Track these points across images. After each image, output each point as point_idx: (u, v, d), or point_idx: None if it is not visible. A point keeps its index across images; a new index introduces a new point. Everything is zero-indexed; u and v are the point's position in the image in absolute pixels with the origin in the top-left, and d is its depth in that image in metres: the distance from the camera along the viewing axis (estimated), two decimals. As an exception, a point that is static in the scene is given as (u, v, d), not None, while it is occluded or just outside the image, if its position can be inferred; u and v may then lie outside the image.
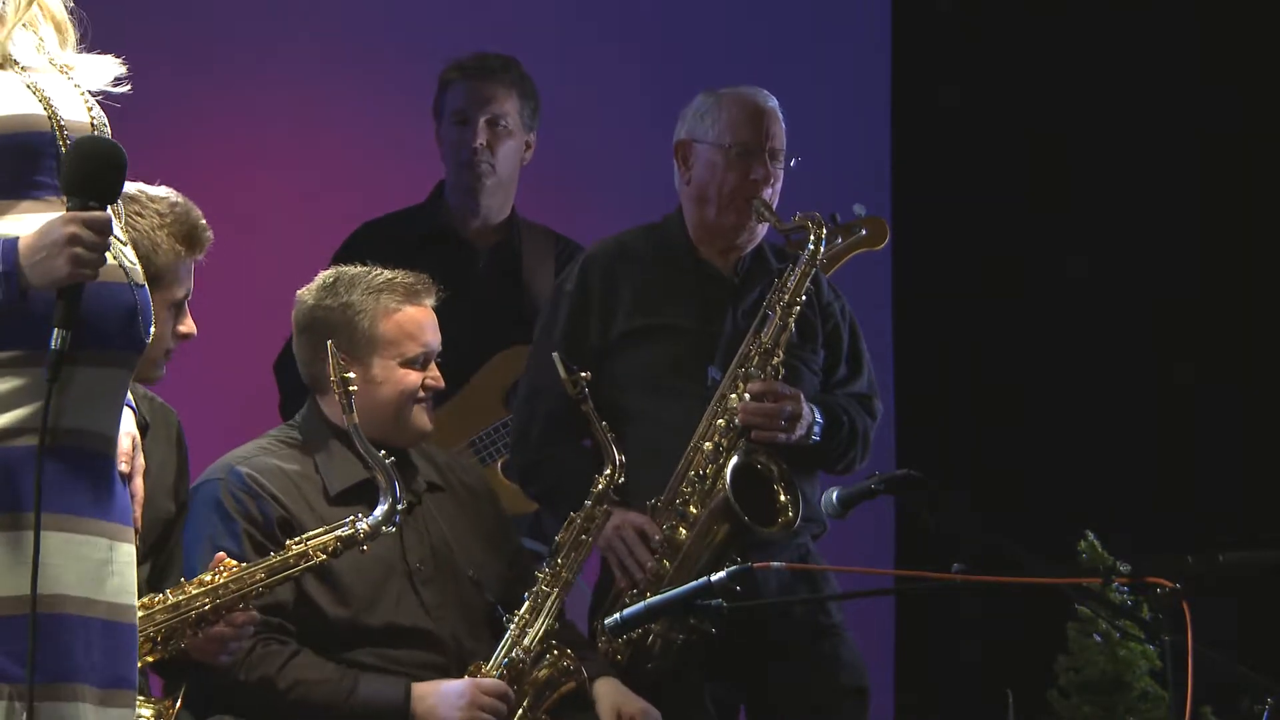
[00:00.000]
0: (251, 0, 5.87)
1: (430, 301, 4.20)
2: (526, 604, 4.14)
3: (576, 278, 4.63)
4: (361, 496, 4.03)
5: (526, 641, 4.10)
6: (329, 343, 3.92)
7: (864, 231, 4.88)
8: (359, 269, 4.21)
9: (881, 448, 4.73)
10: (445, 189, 5.24)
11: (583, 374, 4.22)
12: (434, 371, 4.20)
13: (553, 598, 4.15)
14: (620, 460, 4.24)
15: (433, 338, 4.19)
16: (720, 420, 4.44)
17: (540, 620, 4.13)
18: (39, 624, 2.77)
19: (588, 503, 4.25)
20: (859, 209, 4.91)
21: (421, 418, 4.18)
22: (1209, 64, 6.03)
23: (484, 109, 5.14)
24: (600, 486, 4.25)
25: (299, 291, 4.22)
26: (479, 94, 5.16)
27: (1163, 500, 5.85)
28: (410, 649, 4.07)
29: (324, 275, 4.22)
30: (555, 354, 4.27)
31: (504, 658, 4.08)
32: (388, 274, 4.18)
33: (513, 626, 4.11)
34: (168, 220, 3.70)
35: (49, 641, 2.79)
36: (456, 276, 4.63)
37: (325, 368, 4.02)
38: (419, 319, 4.18)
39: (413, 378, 4.15)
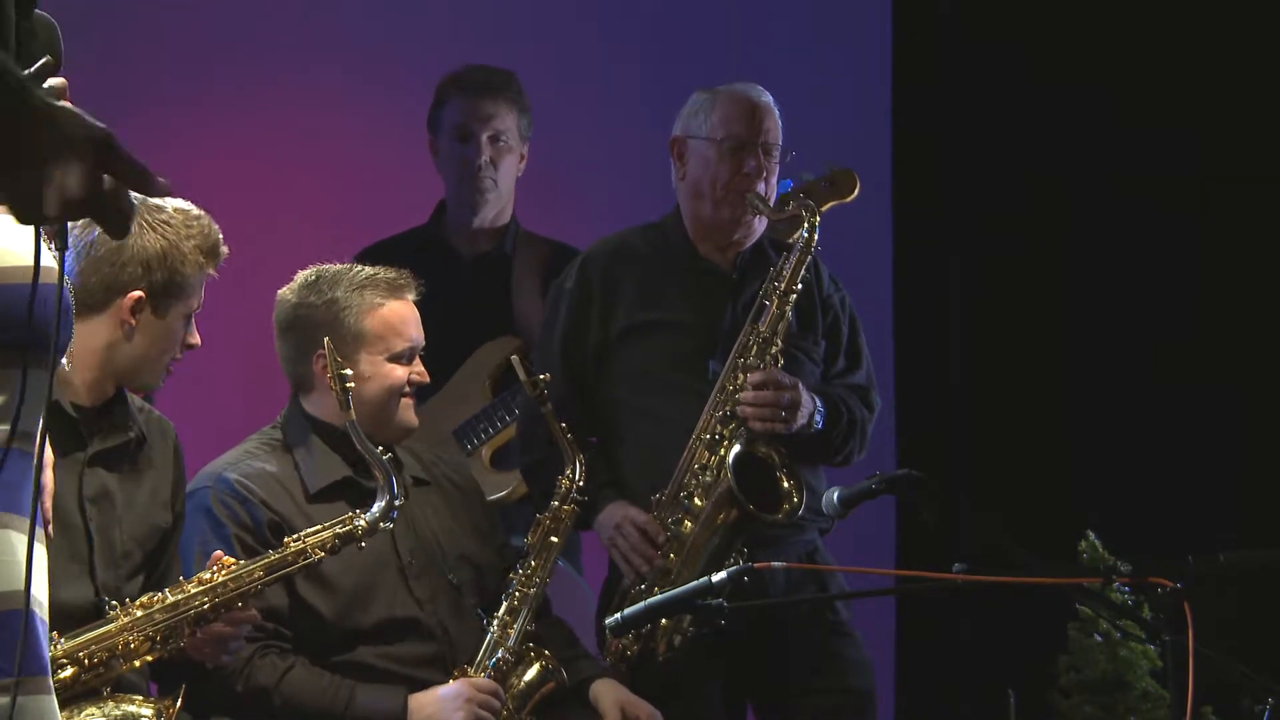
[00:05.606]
0: (259, 7, 5.86)
1: (412, 296, 4.20)
2: (505, 605, 4.15)
3: (576, 276, 4.64)
4: (340, 493, 4.07)
5: (509, 643, 4.11)
6: (325, 340, 3.93)
7: (827, 185, 4.76)
8: (339, 266, 4.21)
9: (882, 447, 4.72)
10: (446, 203, 5.23)
11: (542, 376, 4.23)
12: (419, 366, 4.20)
13: (530, 599, 4.16)
14: (581, 460, 4.27)
15: (417, 332, 4.19)
16: (721, 412, 4.43)
17: (519, 621, 4.14)
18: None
19: (554, 503, 4.27)
20: (827, 165, 4.80)
21: (407, 414, 4.18)
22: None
23: (486, 125, 5.12)
24: (564, 487, 4.27)
25: (280, 291, 4.22)
26: (480, 110, 5.12)
27: (1163, 500, 5.84)
28: (406, 643, 4.08)
29: (304, 274, 4.21)
30: (514, 356, 4.28)
31: (489, 659, 4.09)
32: (369, 270, 4.19)
33: (494, 628, 4.13)
34: (194, 232, 3.70)
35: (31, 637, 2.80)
36: (439, 277, 4.61)
37: (309, 365, 4.09)
38: (403, 314, 4.17)
39: (399, 373, 4.15)
